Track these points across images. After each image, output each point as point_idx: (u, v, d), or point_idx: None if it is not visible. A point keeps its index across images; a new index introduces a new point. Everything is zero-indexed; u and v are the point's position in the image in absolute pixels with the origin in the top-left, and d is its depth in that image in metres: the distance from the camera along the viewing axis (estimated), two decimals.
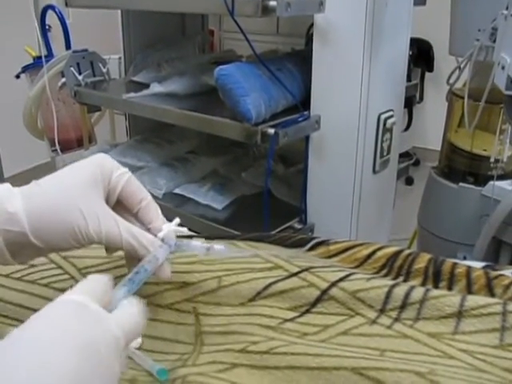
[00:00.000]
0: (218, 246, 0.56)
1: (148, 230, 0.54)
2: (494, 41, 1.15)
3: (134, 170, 1.44)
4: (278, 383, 0.49)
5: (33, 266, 0.66)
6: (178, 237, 0.56)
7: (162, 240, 0.54)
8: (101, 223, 0.49)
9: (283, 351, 0.51)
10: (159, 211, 0.56)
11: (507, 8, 1.04)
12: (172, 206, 1.31)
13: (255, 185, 1.37)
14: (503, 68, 1.02)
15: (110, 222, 0.50)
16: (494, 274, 0.60)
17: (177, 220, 0.56)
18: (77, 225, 0.49)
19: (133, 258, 0.53)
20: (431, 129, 3.35)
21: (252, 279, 0.60)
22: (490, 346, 0.50)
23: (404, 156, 3.20)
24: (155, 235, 0.54)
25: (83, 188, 0.50)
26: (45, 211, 0.49)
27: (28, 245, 0.49)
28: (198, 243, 0.56)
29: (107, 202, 0.52)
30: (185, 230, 0.56)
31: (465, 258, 1.37)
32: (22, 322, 0.42)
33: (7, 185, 0.51)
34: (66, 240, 0.49)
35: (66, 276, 0.65)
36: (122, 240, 0.51)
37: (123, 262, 0.60)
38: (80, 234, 0.49)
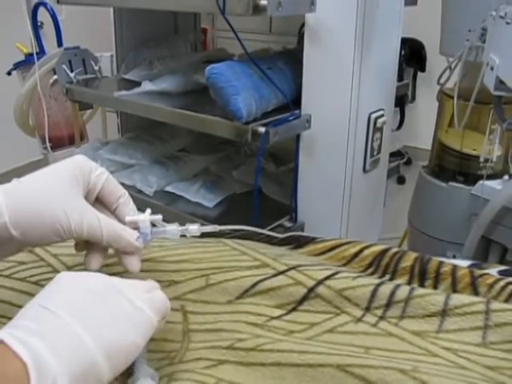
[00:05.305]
0: (192, 226, 0.59)
1: (124, 224, 0.57)
2: (484, 41, 1.15)
3: (125, 167, 1.44)
4: (264, 380, 0.49)
5: (23, 263, 0.66)
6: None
7: (138, 229, 0.56)
8: (83, 218, 0.51)
9: (269, 348, 0.52)
10: (134, 207, 0.59)
11: (496, 9, 1.05)
12: (163, 203, 1.31)
13: (246, 183, 1.37)
14: (492, 69, 1.03)
15: (91, 217, 0.52)
16: (478, 272, 0.61)
17: (149, 210, 0.59)
18: (58, 220, 0.50)
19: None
20: (423, 128, 3.37)
21: (239, 277, 0.61)
22: (473, 344, 0.51)
23: (396, 155, 3.22)
24: (134, 228, 0.57)
25: (64, 186, 0.52)
26: (26, 205, 0.50)
27: (8, 238, 0.50)
28: (174, 227, 0.58)
29: (86, 200, 0.54)
30: (160, 218, 0.59)
31: (454, 257, 1.38)
32: (9, 319, 0.42)
33: None
34: (47, 234, 0.50)
35: (56, 274, 0.65)
36: (103, 233, 0.52)
37: (113, 260, 0.61)
38: (62, 229, 0.50)
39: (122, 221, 0.57)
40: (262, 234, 0.73)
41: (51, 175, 0.53)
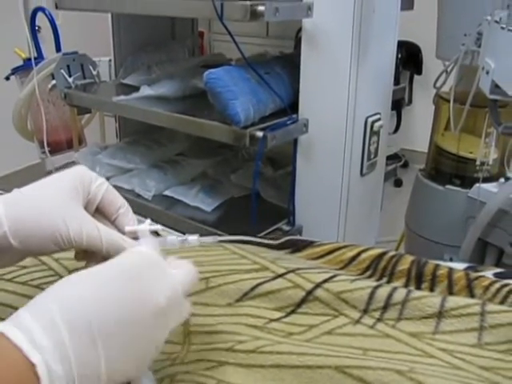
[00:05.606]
0: (192, 237, 0.58)
1: (124, 234, 0.57)
2: (480, 46, 1.16)
3: (123, 171, 1.45)
4: (264, 381, 0.50)
5: (24, 267, 0.67)
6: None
7: (138, 239, 0.57)
8: (82, 228, 0.51)
9: (269, 350, 0.52)
10: (134, 217, 0.59)
11: (491, 14, 1.06)
12: (161, 207, 1.31)
13: (244, 187, 1.38)
14: (488, 73, 1.04)
15: (91, 227, 0.52)
16: (474, 275, 0.61)
17: (148, 221, 0.59)
18: (57, 230, 0.50)
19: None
20: (420, 131, 3.38)
21: (239, 280, 0.62)
22: (469, 345, 0.52)
23: (393, 158, 3.23)
24: (134, 238, 0.57)
25: (64, 197, 0.52)
26: (26, 216, 0.50)
27: (7, 248, 0.50)
28: (173, 237, 0.58)
29: (86, 210, 0.54)
30: (159, 228, 0.59)
31: (451, 260, 1.39)
32: None
33: None
34: (46, 244, 0.50)
35: (57, 277, 0.66)
36: (103, 243, 0.52)
37: None
38: (61, 239, 0.50)
39: (121, 231, 0.57)
40: (260, 237, 0.74)
41: (51, 186, 0.53)
